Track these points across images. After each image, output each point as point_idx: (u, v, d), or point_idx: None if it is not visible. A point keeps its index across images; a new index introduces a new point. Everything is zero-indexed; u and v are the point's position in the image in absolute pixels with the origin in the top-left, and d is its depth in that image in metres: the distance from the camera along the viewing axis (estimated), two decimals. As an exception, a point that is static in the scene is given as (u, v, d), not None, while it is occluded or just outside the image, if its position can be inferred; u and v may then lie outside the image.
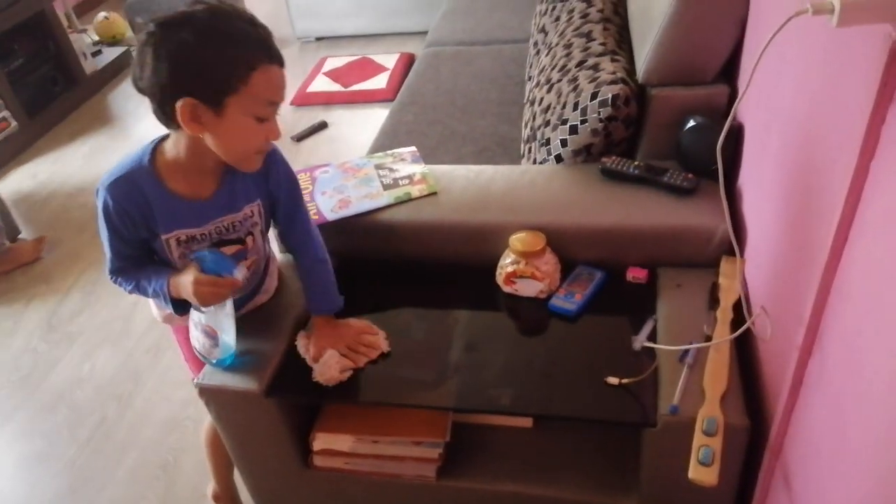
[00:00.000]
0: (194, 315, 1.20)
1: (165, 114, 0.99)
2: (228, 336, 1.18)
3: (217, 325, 1.17)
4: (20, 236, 2.77)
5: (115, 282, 1.17)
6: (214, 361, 1.22)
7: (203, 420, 1.51)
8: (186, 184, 1.09)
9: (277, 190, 1.19)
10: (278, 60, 1.00)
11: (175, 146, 1.06)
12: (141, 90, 0.99)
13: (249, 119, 1.00)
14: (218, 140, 1.01)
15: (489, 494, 1.26)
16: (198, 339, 1.23)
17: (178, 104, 0.96)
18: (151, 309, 1.31)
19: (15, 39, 3.45)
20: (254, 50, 0.97)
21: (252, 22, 0.99)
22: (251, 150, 1.05)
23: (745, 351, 1.15)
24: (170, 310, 1.14)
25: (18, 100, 3.37)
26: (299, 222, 1.25)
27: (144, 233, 1.10)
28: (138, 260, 1.14)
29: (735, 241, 1.10)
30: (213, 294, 1.10)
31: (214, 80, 0.96)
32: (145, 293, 1.15)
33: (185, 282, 1.09)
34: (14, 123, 3.32)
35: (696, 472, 0.96)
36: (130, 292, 1.17)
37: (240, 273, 1.12)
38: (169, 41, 0.94)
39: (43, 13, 3.57)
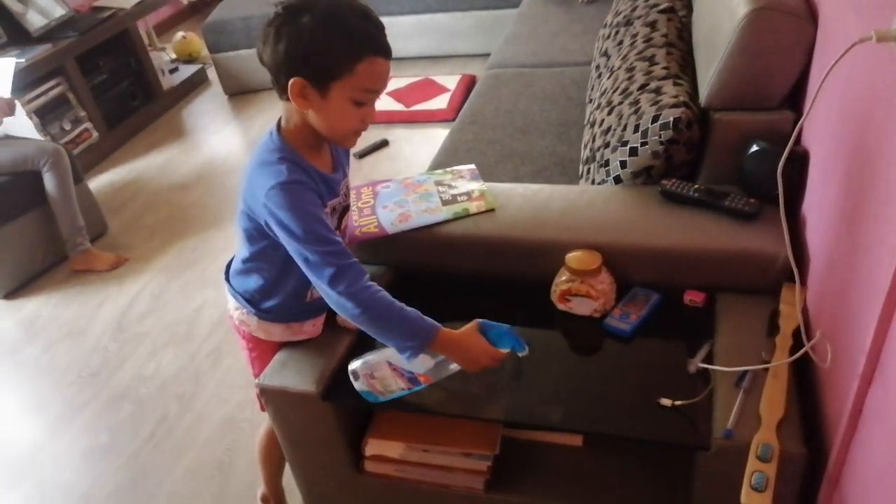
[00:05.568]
0: (397, 360, 1.16)
1: (280, 87, 1.08)
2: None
3: (436, 375, 1.16)
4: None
5: (346, 289, 1.08)
6: (391, 397, 1.20)
7: (259, 424, 1.56)
8: (316, 157, 1.18)
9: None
10: (384, 53, 1.07)
11: (289, 121, 1.14)
12: (263, 63, 1.10)
13: (349, 103, 1.08)
14: (320, 117, 1.10)
15: (536, 511, 1.26)
16: (386, 377, 1.18)
17: (290, 82, 1.05)
18: (230, 308, 1.32)
19: (100, 56, 3.68)
20: (362, 43, 1.05)
21: (365, 16, 1.06)
22: (349, 130, 1.14)
23: (804, 379, 1.13)
24: (405, 358, 1.12)
25: (100, 112, 3.59)
26: None
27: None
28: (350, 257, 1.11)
29: (795, 268, 1.09)
30: (491, 366, 1.14)
31: (323, 67, 1.05)
32: (387, 321, 1.11)
33: (470, 345, 1.13)
34: (95, 134, 3.53)
35: (748, 498, 0.94)
36: (359, 315, 1.09)
37: (526, 351, 1.14)
38: (289, 24, 1.03)
39: (127, 32, 3.79)
